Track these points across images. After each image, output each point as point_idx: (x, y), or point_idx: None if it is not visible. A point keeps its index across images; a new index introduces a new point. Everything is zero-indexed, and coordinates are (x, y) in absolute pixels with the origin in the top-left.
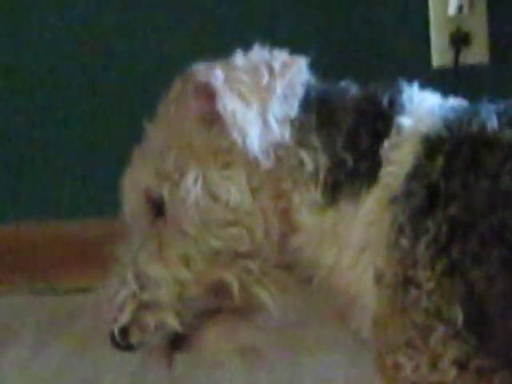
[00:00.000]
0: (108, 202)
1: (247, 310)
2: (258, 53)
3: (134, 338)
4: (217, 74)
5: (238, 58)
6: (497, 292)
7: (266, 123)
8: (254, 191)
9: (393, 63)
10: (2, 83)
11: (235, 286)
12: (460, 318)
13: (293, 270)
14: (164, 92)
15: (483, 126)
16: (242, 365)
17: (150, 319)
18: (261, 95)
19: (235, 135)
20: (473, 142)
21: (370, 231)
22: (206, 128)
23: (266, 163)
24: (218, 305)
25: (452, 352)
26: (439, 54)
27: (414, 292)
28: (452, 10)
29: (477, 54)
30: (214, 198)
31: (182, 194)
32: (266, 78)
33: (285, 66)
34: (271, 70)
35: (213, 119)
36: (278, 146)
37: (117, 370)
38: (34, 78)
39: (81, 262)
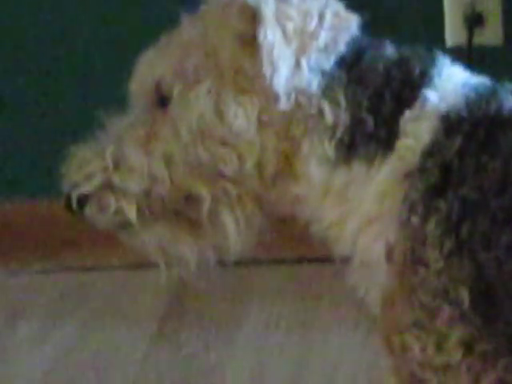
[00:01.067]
0: None
1: (207, 227)
2: None
3: (89, 211)
4: (269, 2)
5: None
6: (505, 274)
7: (298, 66)
8: (261, 125)
9: (408, 42)
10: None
11: (207, 202)
12: (466, 300)
13: (272, 211)
14: None
15: (501, 107)
16: (251, 343)
17: (112, 202)
18: (303, 39)
19: (265, 67)
20: (489, 123)
21: (384, 203)
22: (239, 46)
23: (285, 104)
24: (182, 211)
25: (458, 334)
26: (453, 34)
27: (422, 271)
28: None
29: (490, 35)
30: (220, 115)
31: (191, 99)
32: (313, 24)
33: (336, 18)
34: (321, 18)
35: (249, 41)
36: (301, 92)
37: (129, 346)
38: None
39: (91, 241)
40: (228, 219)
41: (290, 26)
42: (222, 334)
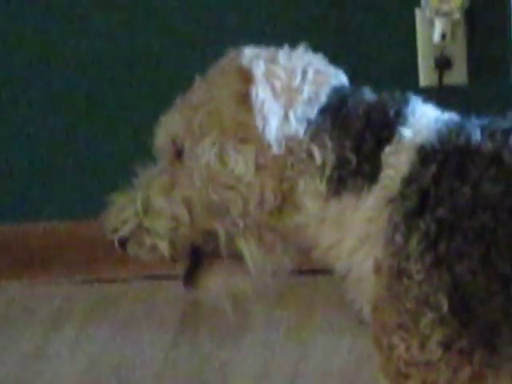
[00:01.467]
0: None
1: (231, 257)
2: (300, 54)
3: (131, 250)
4: (259, 65)
5: (282, 55)
6: (478, 283)
7: (286, 118)
8: (258, 168)
9: (385, 83)
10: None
11: (222, 236)
12: (445, 305)
13: (288, 237)
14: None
15: (469, 138)
16: (256, 343)
17: (147, 240)
18: (290, 94)
19: (258, 120)
20: (460, 153)
21: (370, 226)
22: (236, 103)
23: (277, 150)
24: (206, 248)
25: (438, 335)
26: (425, 76)
27: (406, 281)
28: (436, 37)
29: (457, 76)
30: (223, 163)
31: (198, 152)
32: (297, 81)
33: (317, 74)
34: (304, 75)
35: (245, 99)
36: (291, 139)
37: (152, 348)
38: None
39: (120, 256)
40: (242, 246)
41: (278, 84)
42: (232, 336)
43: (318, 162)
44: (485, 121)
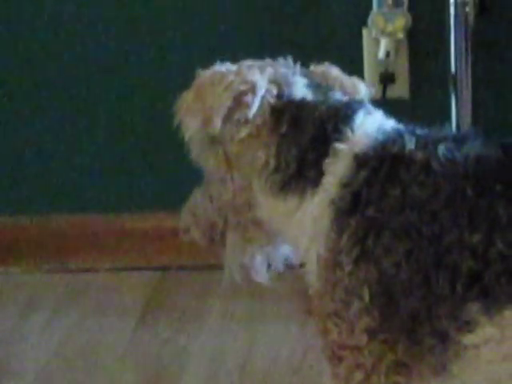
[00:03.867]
0: (111, 201)
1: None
2: (256, 66)
3: (187, 238)
4: (205, 73)
5: (230, 67)
6: (402, 277)
7: (209, 120)
8: (229, 165)
9: None
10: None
11: (218, 226)
12: (367, 297)
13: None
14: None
15: (402, 147)
16: (213, 330)
17: (191, 231)
18: (211, 98)
19: (175, 119)
20: (392, 159)
21: (316, 226)
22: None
23: (232, 148)
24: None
25: (363, 323)
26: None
27: (338, 273)
28: (381, 55)
29: (400, 90)
30: (205, 161)
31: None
32: (221, 88)
33: (242, 83)
34: (230, 84)
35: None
36: (243, 139)
37: (117, 332)
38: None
39: (90, 248)
40: (228, 238)
41: (207, 89)
42: (190, 323)
43: (260, 163)
44: (422, 131)
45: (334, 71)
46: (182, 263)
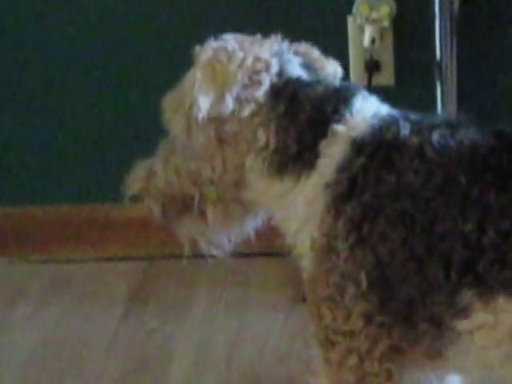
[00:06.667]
0: (96, 191)
1: (203, 216)
2: (257, 43)
3: (138, 206)
4: (207, 50)
5: (233, 43)
6: (397, 264)
7: (221, 98)
8: (220, 142)
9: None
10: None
11: (195, 199)
12: (364, 282)
13: (249, 207)
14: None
15: (397, 133)
16: (199, 319)
17: (146, 201)
18: (225, 77)
19: (186, 99)
20: (387, 146)
21: (310, 208)
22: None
23: (228, 127)
24: (188, 206)
25: (359, 308)
26: (356, 77)
27: (334, 258)
28: (366, 42)
29: (385, 77)
30: (189, 135)
31: (172, 125)
32: (234, 66)
33: (257, 61)
34: (243, 61)
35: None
36: (241, 119)
37: (102, 323)
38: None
39: (75, 238)
40: (209, 212)
41: (218, 67)
42: (176, 313)
43: (261, 143)
44: (417, 117)
45: (316, 52)
46: (167, 253)
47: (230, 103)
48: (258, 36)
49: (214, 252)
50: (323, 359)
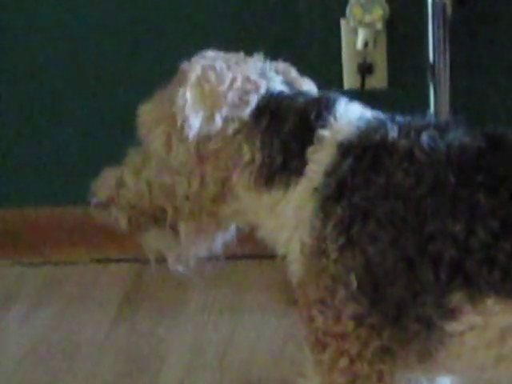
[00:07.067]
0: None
1: (175, 230)
2: (245, 61)
3: (101, 215)
4: (196, 69)
5: (220, 62)
6: (387, 265)
7: (211, 118)
8: (200, 158)
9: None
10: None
11: (169, 214)
12: (354, 284)
13: (224, 222)
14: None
15: (386, 135)
16: (192, 321)
17: (113, 211)
18: (215, 97)
19: (178, 117)
20: (376, 148)
21: (299, 214)
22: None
23: (211, 144)
24: (159, 219)
25: (350, 309)
26: (349, 79)
27: (324, 260)
28: (359, 45)
29: (378, 80)
30: (169, 150)
31: (150, 139)
32: (224, 86)
33: (246, 82)
34: (233, 82)
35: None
36: (225, 136)
37: (95, 324)
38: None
39: (68, 240)
40: (181, 227)
41: (207, 88)
42: (169, 314)
43: (246, 158)
44: (404, 119)
45: (293, 71)
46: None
47: (219, 123)
48: (241, 54)
49: (180, 268)
50: (314, 361)
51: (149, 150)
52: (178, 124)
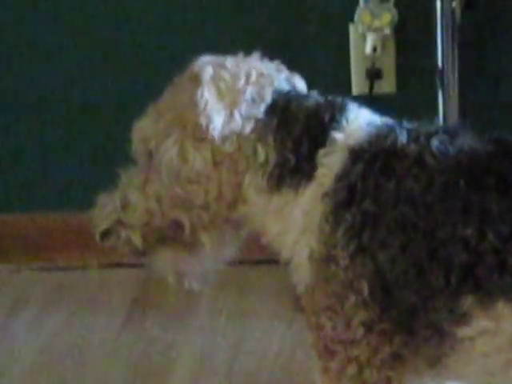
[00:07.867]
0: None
1: (193, 245)
2: (249, 60)
3: (111, 242)
4: (207, 69)
5: (229, 61)
6: (397, 271)
7: (232, 116)
8: (216, 164)
9: (320, 91)
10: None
11: (187, 226)
12: (366, 290)
13: (240, 227)
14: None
15: (395, 141)
16: (201, 327)
17: (123, 233)
18: (234, 94)
19: (202, 119)
20: (386, 153)
21: (308, 218)
22: (192, 106)
23: (227, 146)
24: (173, 236)
25: (360, 316)
26: (357, 85)
27: (333, 267)
28: (368, 50)
29: (387, 85)
30: (184, 160)
31: (162, 150)
32: (241, 83)
33: (260, 76)
34: (248, 77)
35: (197, 102)
36: (239, 135)
37: (104, 330)
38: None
39: (77, 245)
40: (203, 237)
41: (223, 86)
42: (178, 320)
43: (261, 157)
44: (413, 125)
45: (285, 70)
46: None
47: (239, 121)
48: (240, 55)
49: (196, 286)
50: (322, 369)
51: (159, 163)
52: (203, 125)
